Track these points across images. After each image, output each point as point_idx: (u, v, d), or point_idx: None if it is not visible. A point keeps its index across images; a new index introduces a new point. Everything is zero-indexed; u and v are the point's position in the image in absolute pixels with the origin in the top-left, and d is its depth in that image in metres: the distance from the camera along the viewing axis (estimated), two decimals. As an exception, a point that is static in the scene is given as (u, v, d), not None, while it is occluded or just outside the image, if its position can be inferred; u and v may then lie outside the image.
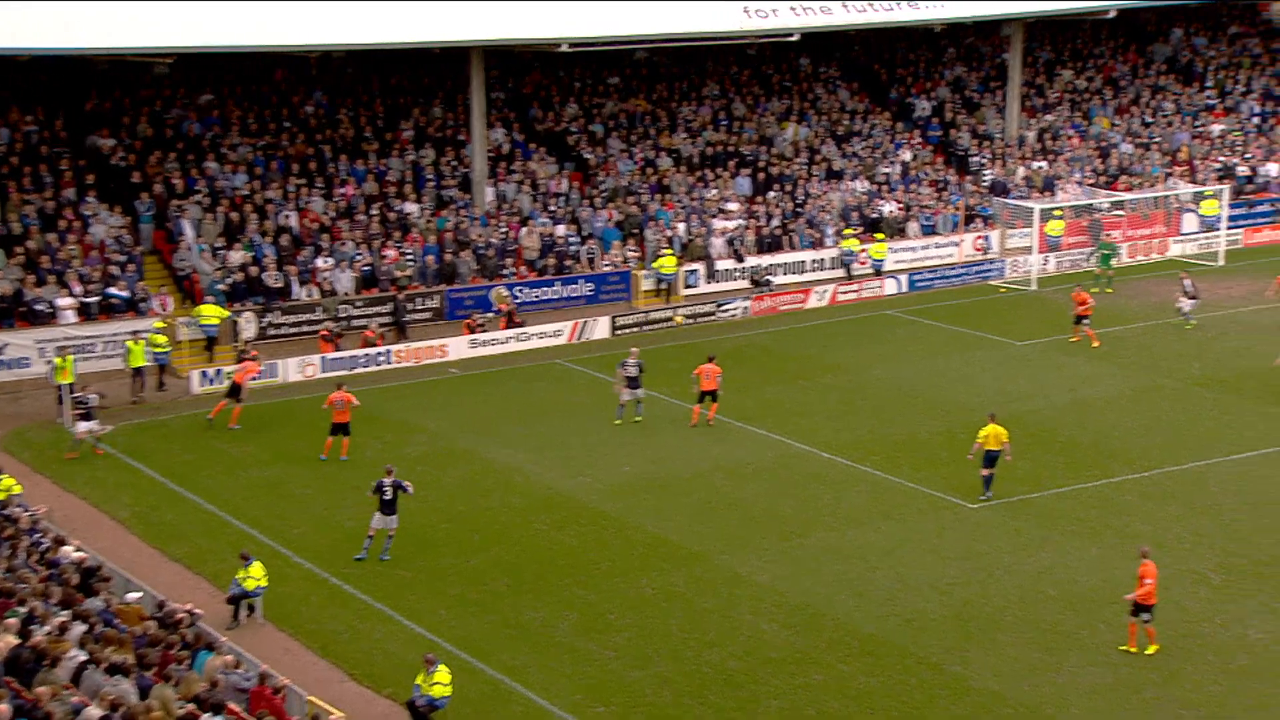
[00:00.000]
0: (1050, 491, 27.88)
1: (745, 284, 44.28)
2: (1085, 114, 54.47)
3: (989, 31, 56.43)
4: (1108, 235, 46.26)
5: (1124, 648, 21.44)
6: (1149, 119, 54.63)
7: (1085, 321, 37.50)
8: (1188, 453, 29.53)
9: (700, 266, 44.27)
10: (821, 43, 53.78)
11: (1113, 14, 51.69)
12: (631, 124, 49.23)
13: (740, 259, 44.74)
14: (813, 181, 48.41)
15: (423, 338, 39.15)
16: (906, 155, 50.65)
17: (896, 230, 47.23)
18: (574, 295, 42.52)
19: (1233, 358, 35.76)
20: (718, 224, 45.48)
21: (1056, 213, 47.02)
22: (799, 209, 47.09)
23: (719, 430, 32.04)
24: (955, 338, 39.33)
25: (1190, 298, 39.25)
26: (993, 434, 27.45)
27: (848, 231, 45.37)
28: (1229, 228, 47.78)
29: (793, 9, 45.53)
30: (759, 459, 30.31)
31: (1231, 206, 48.53)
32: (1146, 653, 21.22)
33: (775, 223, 46.19)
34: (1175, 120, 54.48)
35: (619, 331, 40.87)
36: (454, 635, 22.77)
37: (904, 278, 44.97)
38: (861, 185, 48.71)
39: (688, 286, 43.91)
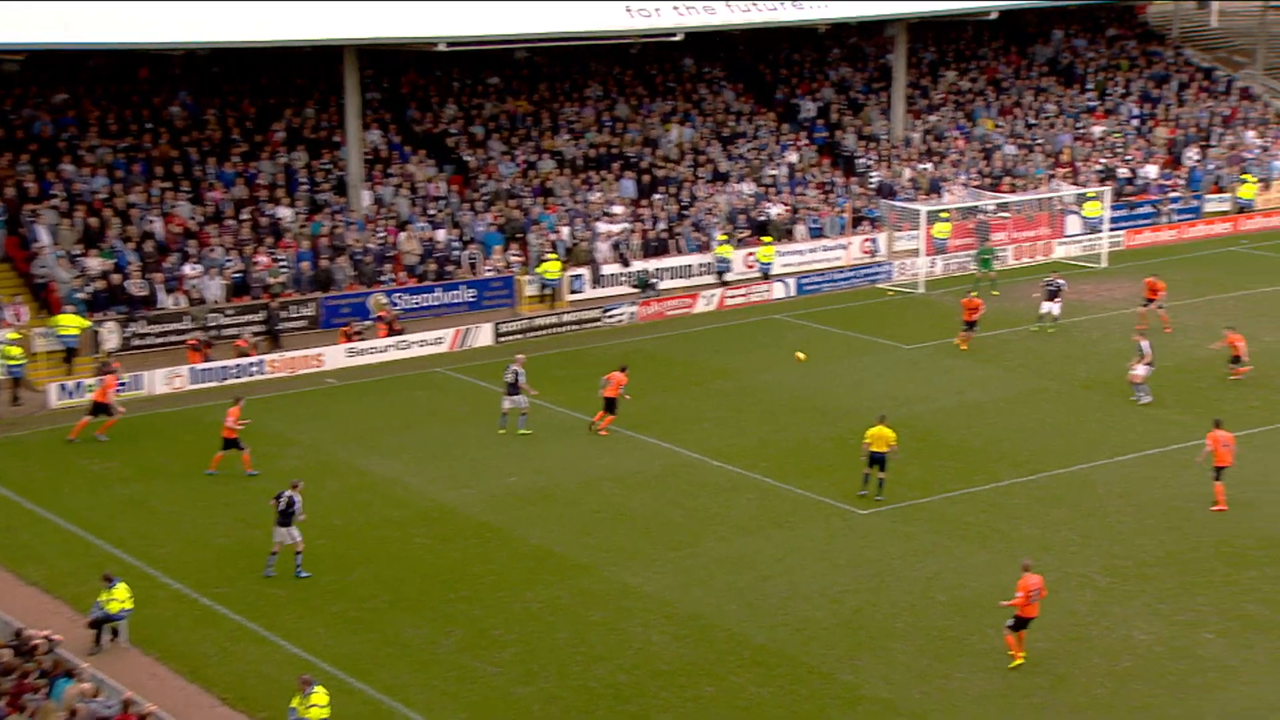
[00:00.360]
0: (940, 496, 28.28)
1: (631, 288, 44.32)
2: (969, 115, 55.53)
3: (873, 32, 57.30)
4: (987, 240, 47.10)
5: (1012, 665, 21.43)
6: (1032, 120, 55.88)
7: (974, 328, 38.03)
8: (1074, 455, 30.17)
9: (585, 271, 44.20)
10: (705, 43, 54.11)
11: (994, 15, 52.82)
12: (513, 125, 49.02)
13: (626, 263, 44.77)
14: (698, 184, 48.64)
15: (297, 347, 38.51)
16: (793, 157, 51.16)
17: (784, 233, 47.64)
18: (455, 302, 42.18)
19: (1116, 360, 36.61)
20: (602, 228, 45.47)
21: (943, 215, 47.82)
22: (685, 212, 47.27)
23: (606, 439, 31.97)
24: (844, 342, 39.76)
25: (1053, 298, 39.42)
26: (878, 435, 27.86)
27: (721, 238, 45.37)
28: (1111, 230, 49.00)
29: (675, 8, 45.71)
30: (647, 468, 30.30)
31: (1113, 208, 49.80)
32: (1010, 666, 21.25)
33: (661, 226, 46.31)
34: (1057, 122, 55.80)
35: (502, 339, 40.62)
36: (332, 655, 22.38)
37: (792, 281, 45.39)
38: (748, 188, 49.07)
39: (573, 292, 43.81)
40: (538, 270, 43.15)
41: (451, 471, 30.28)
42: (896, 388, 35.26)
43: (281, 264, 40.57)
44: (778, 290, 45.04)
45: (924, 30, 57.93)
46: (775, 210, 48.05)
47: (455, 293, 42.25)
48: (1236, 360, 34.39)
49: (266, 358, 37.55)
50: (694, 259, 45.88)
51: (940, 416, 32.89)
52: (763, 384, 36.07)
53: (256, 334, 38.65)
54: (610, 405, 32.18)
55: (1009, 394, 34.38)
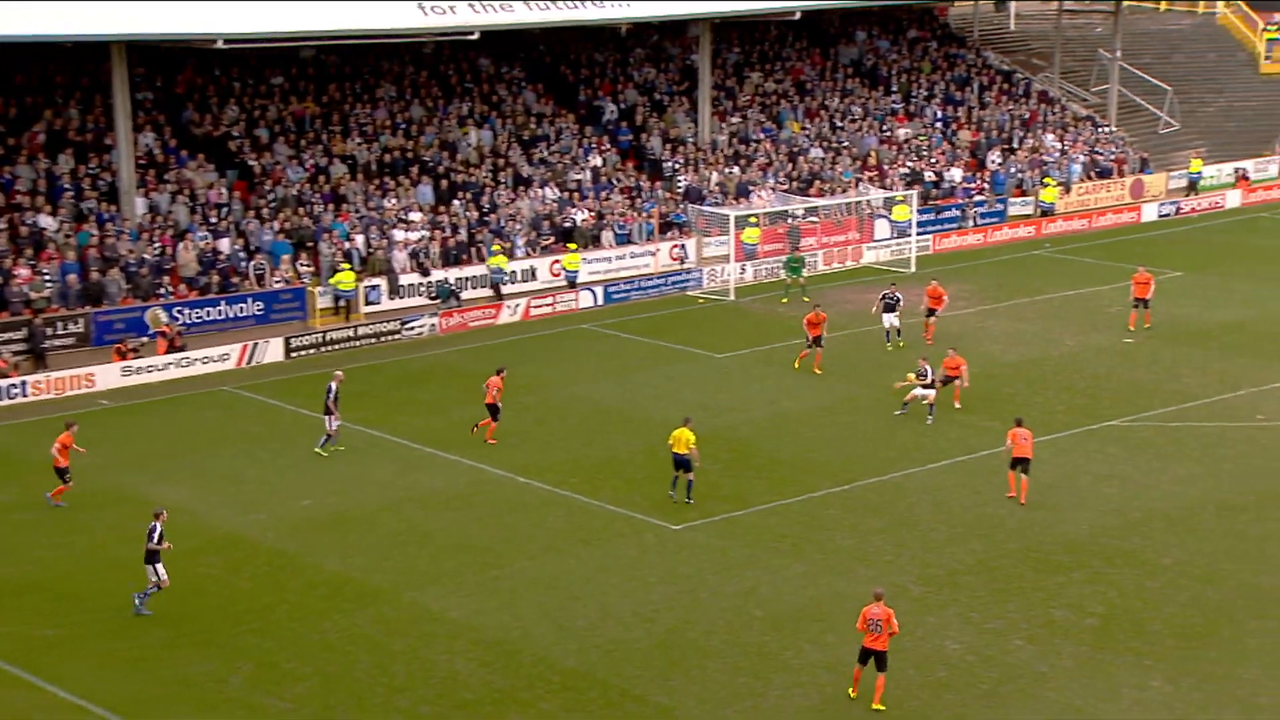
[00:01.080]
0: (754, 509, 28.71)
1: (431, 299, 43.94)
2: (775, 118, 56.64)
3: (676, 32, 58.01)
4: (798, 248, 48.01)
5: (854, 694, 21.47)
6: (838, 123, 57.27)
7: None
8: (886, 464, 30.97)
9: (382, 281, 43.65)
10: (504, 42, 54.03)
11: (798, 16, 53.95)
12: (300, 128, 48.15)
13: (425, 273, 44.36)
14: (499, 189, 48.51)
15: (65, 366, 37.07)
16: (597, 161, 51.42)
17: (590, 240, 47.83)
18: (242, 315, 41.22)
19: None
20: (399, 235, 44.97)
21: (752, 220, 48.65)
22: (486, 219, 47.08)
23: (408, 457, 31.60)
24: (654, 351, 40.09)
25: (891, 310, 39.02)
26: (678, 437, 28.35)
27: (495, 248, 44.86)
28: (919, 234, 50.53)
29: (472, 6, 45.53)
30: (451, 486, 30.04)
31: (920, 212, 51.37)
32: (875, 706, 21.12)
33: (461, 234, 46.03)
34: (863, 125, 57.30)
35: (294, 353, 39.82)
36: (107, 698, 21.57)
37: (599, 290, 45.60)
38: (551, 193, 49.14)
39: (369, 303, 43.23)
40: (331, 281, 42.44)
41: (240, 496, 29.53)
42: (708, 397, 35.69)
43: (45, 277, 39.05)
44: (585, 299, 45.19)
45: (728, 30, 58.91)
46: (580, 216, 48.22)
47: (241, 306, 41.28)
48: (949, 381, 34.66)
49: (29, 379, 36.07)
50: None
51: (753, 427, 33.41)
52: (571, 397, 36.12)
53: (17, 353, 37.12)
54: (493, 411, 32.24)
55: (822, 403, 35.11)
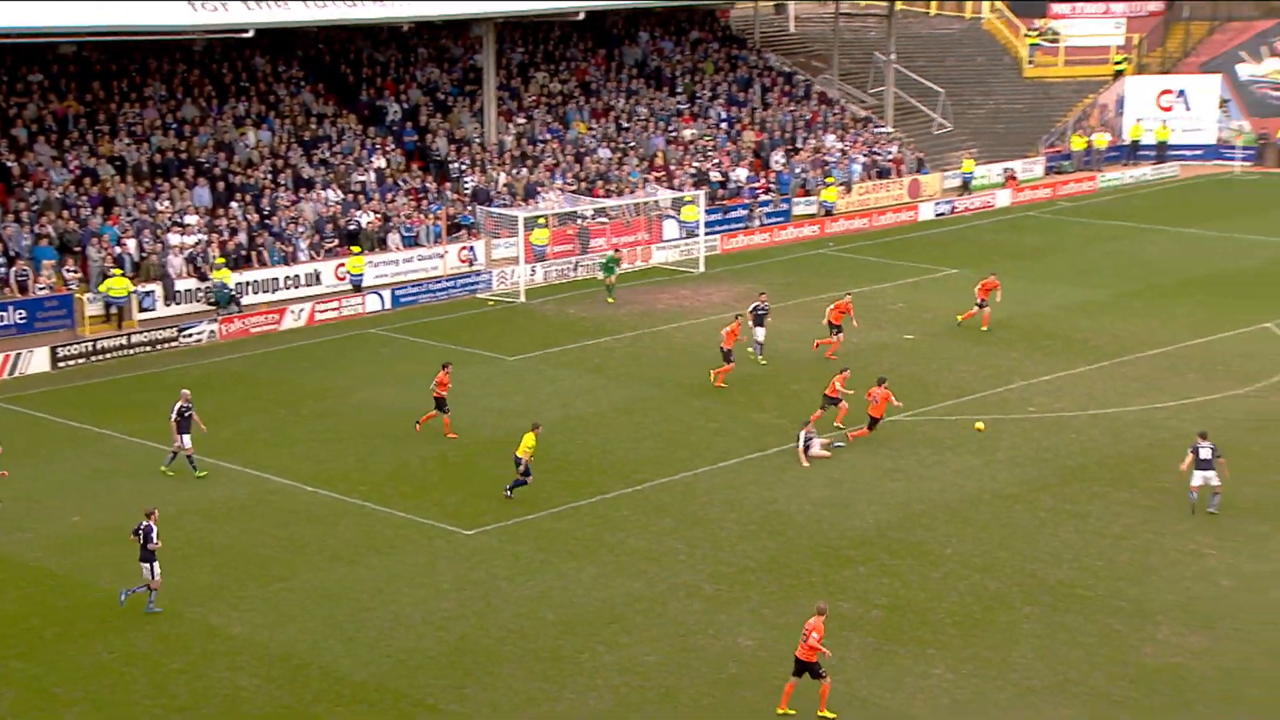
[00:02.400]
0: (547, 511, 28.64)
1: (210, 304, 42.70)
2: (562, 119, 56.70)
3: (460, 31, 57.62)
4: (617, 250, 47.91)
5: (780, 710, 21.23)
6: (624, 124, 57.64)
7: (730, 359, 36.30)
8: (678, 463, 31.23)
9: (157, 287, 42.24)
10: (281, 40, 52.89)
11: (581, 16, 54.07)
12: (62, 128, 46.28)
13: (203, 277, 43.11)
14: (280, 191, 47.42)
15: None
16: (380, 162, 50.69)
17: (376, 243, 47.13)
18: (3, 324, 39.41)
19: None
20: (174, 239, 43.58)
21: (541, 221, 48.59)
22: (266, 221, 45.97)
23: (185, 470, 30.58)
24: (444, 355, 39.61)
25: (761, 322, 37.72)
26: (525, 443, 28.89)
27: (219, 260, 43.18)
28: (706, 234, 51.18)
29: (246, 4, 44.39)
30: (234, 497, 29.21)
31: (707, 212, 52.04)
32: (821, 713, 20.98)
33: (241, 237, 44.85)
34: (649, 125, 57.79)
35: (61, 364, 38.25)
36: None
37: (387, 293, 44.95)
38: (334, 194, 48.26)
39: (143, 310, 41.79)
40: (101, 288, 40.89)
41: (3, 514, 28.17)
42: (500, 401, 35.48)
43: None
44: (371, 303, 44.48)
45: (512, 30, 58.77)
46: (365, 219, 47.47)
47: (2, 314, 39.48)
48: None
49: None
50: (280, 271, 44.71)
51: (546, 428, 33.31)
52: (358, 403, 35.50)
53: None
54: (441, 405, 32.12)
55: (614, 404, 35.23)
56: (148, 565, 24.25)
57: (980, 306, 40.84)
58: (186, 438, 30.24)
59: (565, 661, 22.80)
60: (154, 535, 24.24)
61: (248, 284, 43.83)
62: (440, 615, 24.30)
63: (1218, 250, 50.73)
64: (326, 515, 28.50)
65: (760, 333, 37.84)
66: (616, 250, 47.66)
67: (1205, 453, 28.11)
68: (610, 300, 44.58)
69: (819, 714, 21.09)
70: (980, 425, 32.39)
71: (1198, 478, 28.06)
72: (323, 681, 22.18)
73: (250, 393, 36.32)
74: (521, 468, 28.92)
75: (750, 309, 38.37)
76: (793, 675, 21.18)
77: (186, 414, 30.26)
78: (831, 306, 38.95)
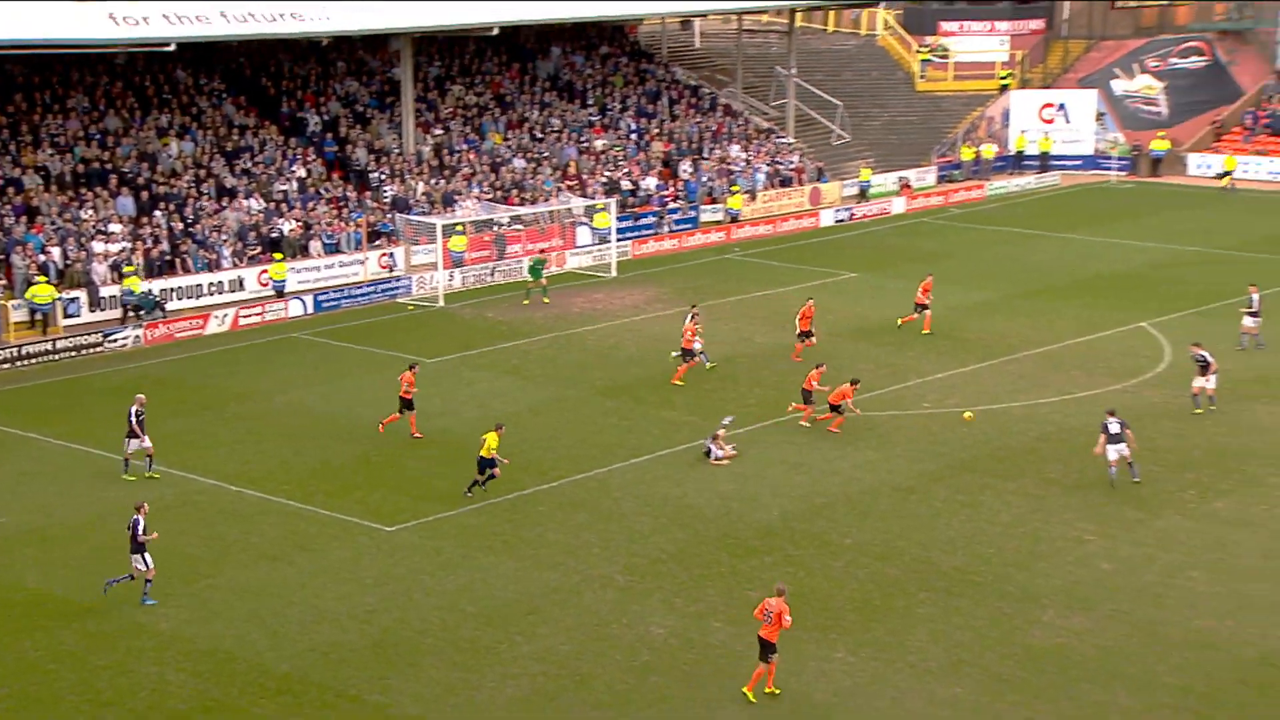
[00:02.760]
0: (467, 508, 28.54)
1: (134, 311, 42.00)
2: (478, 130, 56.51)
3: (377, 45, 57.22)
4: (541, 252, 47.59)
5: (746, 689, 21.29)
6: (538, 135, 57.57)
7: (690, 356, 36.48)
8: (593, 460, 31.26)
9: (82, 294, 41.49)
10: (202, 54, 52.19)
11: (495, 31, 53.92)
12: (-13, 138, 45.32)
13: (127, 284, 42.37)
14: (203, 200, 46.78)
15: None
16: (301, 171, 50.20)
17: (298, 250, 46.66)
18: (-70, 331, 38.52)
19: (630, 366, 38.32)
20: (99, 247, 42.83)
21: (458, 228, 48.38)
22: (190, 230, 45.34)
23: (114, 470, 30.10)
24: (365, 358, 39.39)
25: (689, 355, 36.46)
26: (488, 443, 28.74)
27: (128, 270, 42.24)
28: (618, 240, 51.26)
29: (166, 17, 43.73)
30: (160, 498, 28.73)
31: (619, 219, 52.13)
32: (767, 690, 21.20)
33: (165, 245, 44.19)
34: (562, 136, 57.79)
35: (-12, 370, 37.44)
36: None
37: (309, 298, 44.50)
38: (256, 203, 47.71)
39: (68, 316, 41.04)
40: (26, 295, 40.08)
41: (-68, 519, 27.58)
42: (420, 402, 35.23)
43: None
44: (294, 308, 44.03)
45: (428, 45, 58.47)
46: (287, 226, 46.98)
47: (-71, 322, 38.59)
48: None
49: None
50: (204, 278, 44.13)
51: (464, 429, 33.21)
52: (282, 405, 35.13)
53: None
54: (408, 405, 31.82)
55: (531, 403, 35.16)
56: (139, 556, 24.06)
57: (920, 310, 40.90)
58: (141, 441, 29.70)
59: (484, 652, 22.74)
60: (141, 528, 24.05)
61: (172, 290, 43.19)
62: (363, 609, 24.13)
63: (1097, 254, 51.72)
64: (251, 514, 28.18)
65: (699, 342, 36.95)
66: (542, 253, 47.58)
67: (1114, 428, 28.88)
68: (546, 300, 44.51)
69: (767, 690, 21.29)
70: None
71: (1112, 452, 28.72)
72: (248, 674, 21.93)
73: (175, 396, 35.81)
74: (490, 470, 28.46)
75: (690, 318, 37.28)
76: (759, 659, 21.29)
77: (141, 417, 29.72)
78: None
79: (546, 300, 44.66)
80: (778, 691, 21.35)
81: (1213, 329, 39.98)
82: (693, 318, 37.23)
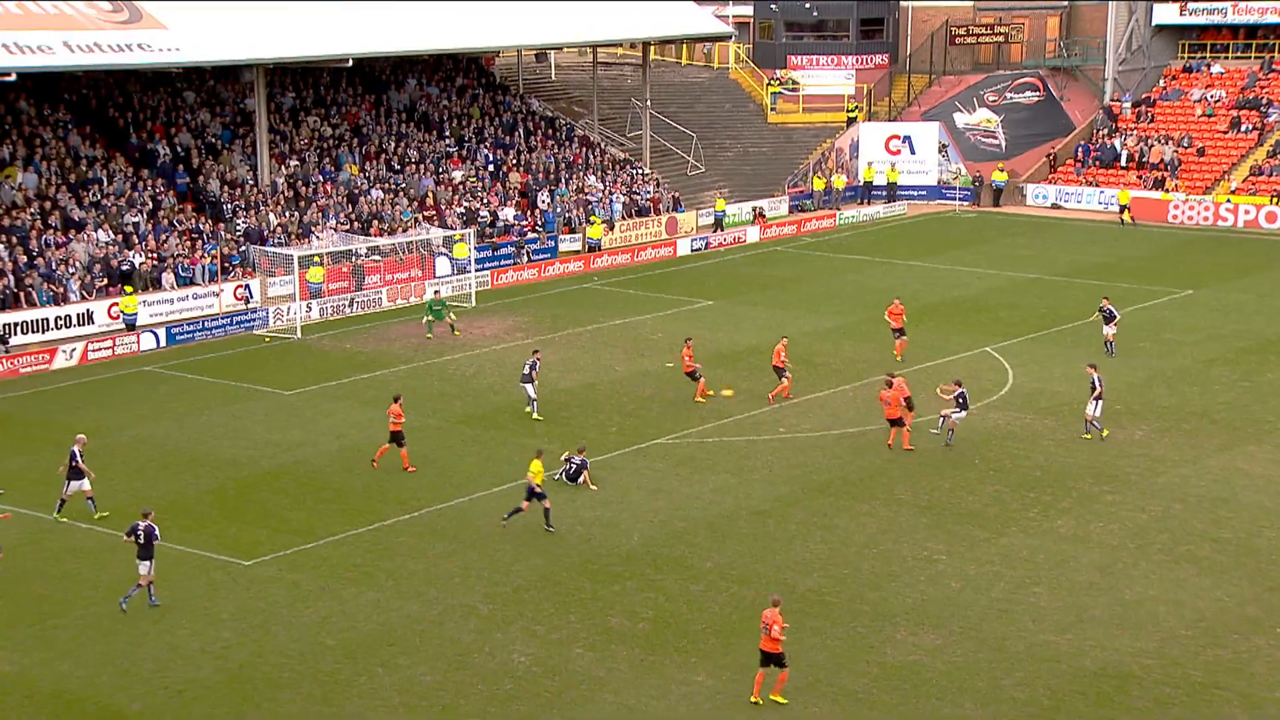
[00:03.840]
0: (326, 540, 28.05)
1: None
2: (334, 161, 55.85)
3: (230, 76, 56.29)
4: (436, 294, 45.87)
5: (753, 699, 21.66)
6: (396, 166, 57.12)
7: (696, 378, 36.95)
8: (454, 489, 30.97)
9: (-80, 329, 39.93)
10: (47, 84, 50.75)
11: (350, 62, 53.41)
12: None
13: (-31, 319, 40.89)
14: (49, 233, 45.39)
15: None
16: (152, 203, 49.04)
17: (150, 282, 45.51)
18: None
19: (489, 394, 38.10)
20: (-61, 281, 41.29)
21: (316, 259, 47.68)
22: (35, 263, 43.92)
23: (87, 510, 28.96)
24: (221, 390, 38.54)
25: (529, 379, 35.70)
26: (538, 470, 28.52)
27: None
28: (477, 270, 51.02)
29: (6, 47, 42.45)
30: (3, 536, 27.65)
31: (478, 249, 51.89)
32: (773, 698, 21.61)
33: (9, 278, 42.75)
34: (420, 167, 57.41)
35: None
36: None
37: (161, 331, 43.42)
38: (105, 235, 46.46)
39: (-94, 352, 39.43)
40: None
41: None
42: (278, 434, 34.63)
43: None
44: (146, 341, 42.91)
45: (282, 76, 57.69)
46: (138, 259, 45.81)
47: None
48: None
49: None
50: (50, 311, 42.77)
51: (323, 460, 32.70)
52: (134, 438, 34.18)
53: None
54: (398, 438, 31.42)
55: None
56: (146, 562, 24.64)
57: (898, 334, 41.13)
58: (83, 483, 28.86)
59: (344, 684, 22.33)
60: (156, 533, 24.94)
61: (16, 325, 41.77)
62: (219, 645, 23.52)
63: (943, 280, 52.97)
64: (101, 551, 27.32)
65: (531, 389, 35.95)
66: (436, 293, 46.07)
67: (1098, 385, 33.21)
68: (457, 333, 43.45)
69: (771, 697, 21.71)
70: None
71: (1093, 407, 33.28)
72: (98, 715, 21.22)
73: (19, 432, 34.60)
74: (536, 491, 28.30)
75: (529, 364, 36.34)
76: (760, 665, 21.82)
77: (76, 460, 28.85)
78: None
79: (458, 334, 43.74)
80: (784, 702, 21.67)
81: (1052, 353, 41.17)
82: (687, 340, 37.97)
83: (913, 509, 29.79)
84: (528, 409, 36.01)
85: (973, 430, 34.72)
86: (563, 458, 31.37)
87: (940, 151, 71.04)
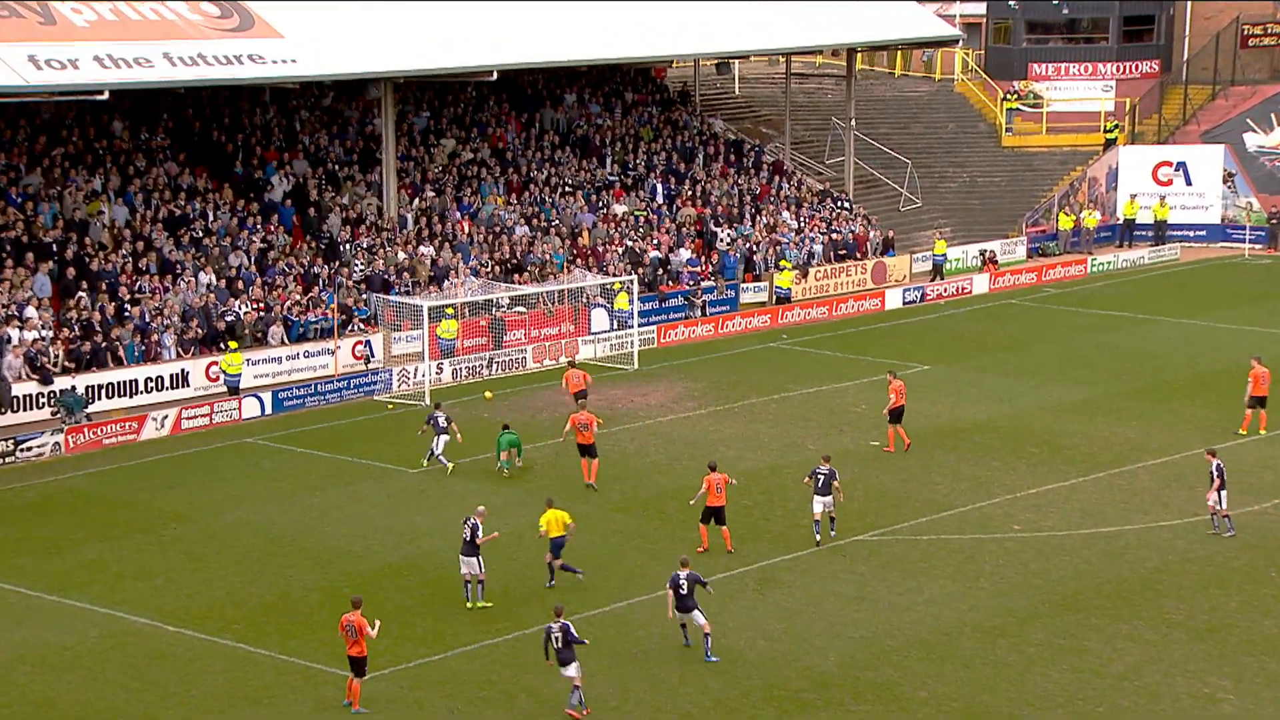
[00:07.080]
0: (456, 650, 28.43)
1: (54, 412, 42.26)
2: (475, 192, 57.01)
3: (353, 93, 57.97)
4: (506, 425, 44.70)
5: None
6: (547, 198, 58.02)
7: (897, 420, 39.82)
8: (608, 594, 31.09)
9: (-9, 391, 41.82)
10: (143, 104, 52.95)
11: (495, 76, 54.43)
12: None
13: (46, 380, 42.66)
14: (141, 278, 47.21)
15: None
16: (260, 243, 50.64)
17: (254, 337, 46.96)
18: None
19: (652, 475, 38.26)
20: (12, 335, 43.17)
21: (449, 310, 48.65)
22: (125, 313, 45.70)
23: (22, 607, 30.07)
24: (335, 467, 39.47)
25: (442, 432, 38.13)
26: (552, 520, 30.50)
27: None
28: (641, 325, 51.39)
29: (100, 62, 44.39)
30: (79, 641, 28.70)
31: (643, 300, 52.32)
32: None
33: (94, 332, 44.54)
34: (574, 200, 58.19)
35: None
36: None
37: (267, 396, 44.76)
38: (206, 280, 48.11)
39: (-25, 418, 41.33)
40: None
41: None
42: (401, 520, 35.29)
43: None
44: (249, 407, 44.23)
45: (413, 92, 59.24)
46: (242, 309, 47.33)
47: None
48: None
49: None
50: (140, 371, 44.40)
51: (453, 552, 33.02)
52: (231, 525, 35.15)
53: None
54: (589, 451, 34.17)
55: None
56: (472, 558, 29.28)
57: (1255, 404, 41.01)
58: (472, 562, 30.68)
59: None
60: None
61: (100, 387, 43.46)
62: (326, 777, 23.96)
63: (1225, 343, 51.63)
64: (191, 659, 28.08)
65: (441, 442, 38.21)
66: (506, 425, 39.67)
67: None
68: (511, 469, 39.25)
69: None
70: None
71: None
72: None
73: (100, 515, 35.85)
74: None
75: (428, 419, 38.57)
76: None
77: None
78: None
79: (505, 473, 38.99)
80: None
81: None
82: (894, 375, 40.80)
83: (1187, 632, 28.95)
84: (432, 458, 38.04)
85: (1266, 535, 33.62)
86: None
87: (1225, 182, 69.48)
